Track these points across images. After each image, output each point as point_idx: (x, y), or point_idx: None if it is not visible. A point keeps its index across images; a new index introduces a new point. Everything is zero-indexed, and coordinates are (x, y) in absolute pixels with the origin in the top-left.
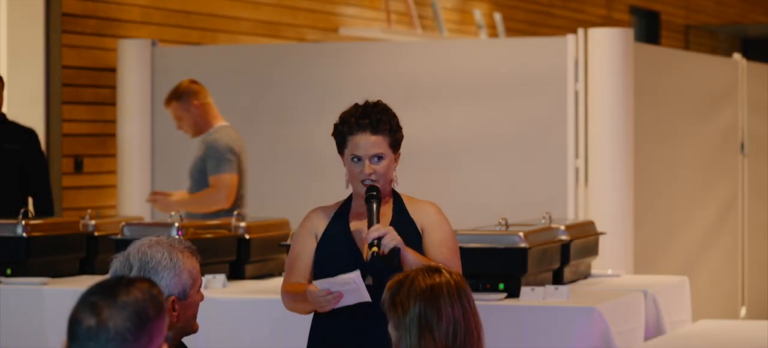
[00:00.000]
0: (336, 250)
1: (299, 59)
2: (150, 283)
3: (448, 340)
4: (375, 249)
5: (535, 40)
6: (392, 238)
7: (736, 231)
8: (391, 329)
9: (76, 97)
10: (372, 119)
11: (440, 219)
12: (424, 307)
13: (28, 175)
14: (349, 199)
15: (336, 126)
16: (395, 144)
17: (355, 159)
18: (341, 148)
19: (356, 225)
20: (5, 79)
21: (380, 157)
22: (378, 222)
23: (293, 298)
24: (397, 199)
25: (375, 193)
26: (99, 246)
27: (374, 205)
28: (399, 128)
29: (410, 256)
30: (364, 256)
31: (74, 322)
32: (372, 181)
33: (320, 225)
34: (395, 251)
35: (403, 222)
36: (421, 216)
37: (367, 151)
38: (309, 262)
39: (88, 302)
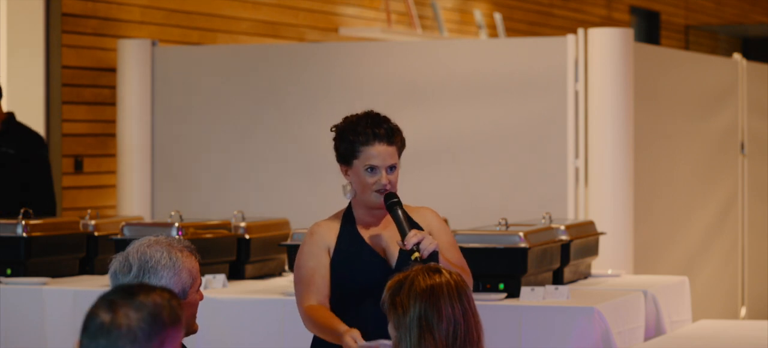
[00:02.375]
0: (356, 261)
1: (299, 59)
2: (171, 293)
3: (448, 341)
4: (417, 254)
5: (535, 40)
6: (430, 242)
7: (736, 231)
8: (391, 329)
9: (76, 97)
10: (387, 130)
11: (442, 223)
12: (424, 308)
13: (29, 181)
14: (349, 208)
15: (344, 136)
16: (400, 153)
17: (370, 169)
18: (349, 158)
19: (371, 233)
20: (5, 79)
21: (393, 168)
22: (408, 227)
23: (321, 328)
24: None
25: (396, 199)
26: (99, 246)
27: (399, 212)
28: (403, 140)
29: (442, 259)
30: (390, 262)
31: (90, 317)
32: (387, 190)
33: (330, 238)
34: (434, 254)
35: (413, 227)
36: (423, 221)
37: (384, 161)
38: (326, 275)
39: (106, 300)
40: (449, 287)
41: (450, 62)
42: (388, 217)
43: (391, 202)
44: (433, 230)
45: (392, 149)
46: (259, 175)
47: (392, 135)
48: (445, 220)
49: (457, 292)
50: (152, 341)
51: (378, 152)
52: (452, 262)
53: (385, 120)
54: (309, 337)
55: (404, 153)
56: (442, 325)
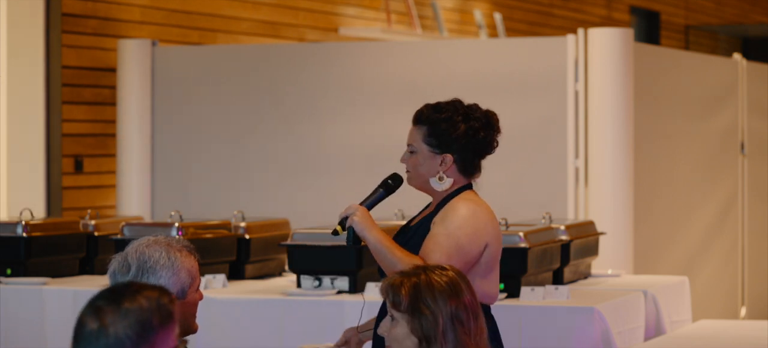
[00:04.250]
0: None
1: (299, 59)
2: (161, 290)
3: (471, 329)
4: (337, 227)
5: (535, 40)
6: (352, 219)
7: (736, 231)
8: (403, 334)
9: (76, 97)
10: (419, 111)
11: (450, 216)
12: (454, 306)
13: None
14: None
15: None
16: (433, 143)
17: None
18: None
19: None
20: (5, 79)
21: (412, 150)
22: (368, 206)
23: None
24: (445, 200)
25: (391, 180)
26: (99, 246)
27: (379, 190)
28: (437, 124)
29: (372, 240)
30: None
31: (79, 325)
32: (407, 170)
33: None
34: (350, 230)
35: (423, 225)
36: (441, 214)
37: (407, 142)
38: None
39: (93, 306)
40: (462, 277)
41: (450, 62)
42: (430, 205)
43: (384, 179)
44: (437, 220)
45: (414, 130)
46: (259, 174)
47: (418, 116)
48: (468, 219)
49: (465, 282)
50: (141, 346)
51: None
52: (405, 253)
53: (433, 104)
54: (309, 337)
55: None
56: (470, 319)
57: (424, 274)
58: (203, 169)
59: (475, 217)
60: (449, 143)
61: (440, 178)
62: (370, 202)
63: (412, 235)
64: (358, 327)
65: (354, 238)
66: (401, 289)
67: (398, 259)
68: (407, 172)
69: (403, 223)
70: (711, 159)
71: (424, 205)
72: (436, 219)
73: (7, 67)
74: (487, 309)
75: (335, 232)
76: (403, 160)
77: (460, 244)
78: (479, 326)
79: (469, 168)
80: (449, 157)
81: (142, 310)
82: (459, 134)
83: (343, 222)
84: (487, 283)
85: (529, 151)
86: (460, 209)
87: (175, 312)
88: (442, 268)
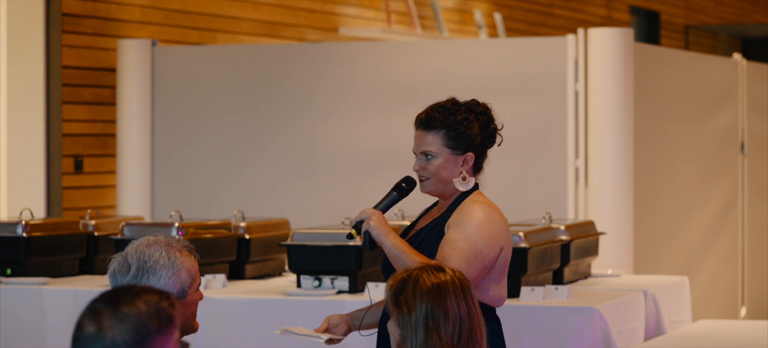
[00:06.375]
0: None
1: (299, 59)
2: (161, 294)
3: (453, 339)
4: (352, 231)
5: (535, 40)
6: (368, 224)
7: (736, 231)
8: (392, 327)
9: (76, 97)
10: (427, 116)
11: (465, 220)
12: (431, 306)
13: None
14: None
15: None
16: (455, 145)
17: (415, 154)
18: None
19: (420, 220)
20: (5, 79)
21: (429, 156)
22: (383, 209)
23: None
24: (456, 202)
25: (405, 183)
26: (99, 246)
27: (393, 193)
28: (456, 126)
29: (389, 245)
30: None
31: (78, 328)
32: (422, 177)
33: None
34: (366, 235)
35: (436, 227)
36: (455, 217)
37: (417, 147)
38: None
39: (92, 309)
40: (455, 285)
41: (450, 62)
42: (439, 206)
43: (397, 183)
44: (452, 224)
45: (427, 136)
46: (259, 174)
47: (429, 122)
48: (484, 223)
49: (462, 291)
50: None
51: (415, 137)
52: (435, 257)
53: (441, 107)
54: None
55: (403, 153)
56: (449, 325)
57: (417, 272)
58: (203, 169)
59: (491, 221)
60: (469, 142)
61: (464, 178)
62: (384, 206)
63: (424, 237)
64: (349, 315)
65: (371, 243)
66: (392, 284)
67: (416, 264)
68: (423, 179)
69: (406, 223)
70: (711, 159)
71: (426, 206)
72: (450, 222)
73: (7, 68)
74: (492, 311)
75: (350, 236)
76: (418, 169)
77: (478, 249)
78: (466, 338)
79: (481, 163)
80: (471, 156)
81: (140, 315)
82: (476, 131)
83: (357, 226)
84: (499, 288)
85: (529, 151)
86: (476, 213)
87: (175, 316)
88: (441, 271)
